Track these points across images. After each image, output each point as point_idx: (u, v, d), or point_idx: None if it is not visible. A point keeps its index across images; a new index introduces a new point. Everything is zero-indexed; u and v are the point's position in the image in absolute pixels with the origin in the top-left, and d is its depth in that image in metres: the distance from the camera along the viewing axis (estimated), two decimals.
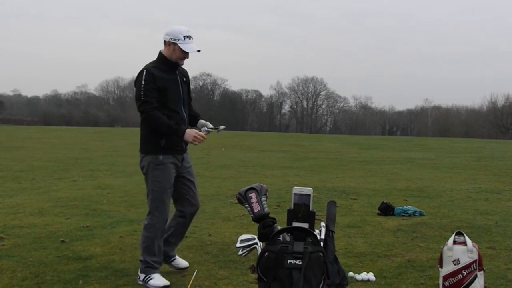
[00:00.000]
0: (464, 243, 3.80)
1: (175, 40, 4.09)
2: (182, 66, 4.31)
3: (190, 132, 4.05)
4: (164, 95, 4.06)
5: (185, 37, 4.08)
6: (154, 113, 3.98)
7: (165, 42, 4.15)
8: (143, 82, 3.98)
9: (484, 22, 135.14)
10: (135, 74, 4.18)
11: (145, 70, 4.02)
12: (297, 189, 2.57)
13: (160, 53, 4.18)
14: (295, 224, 2.52)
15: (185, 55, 4.13)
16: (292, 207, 2.55)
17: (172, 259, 4.47)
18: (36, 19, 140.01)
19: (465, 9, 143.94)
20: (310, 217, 2.52)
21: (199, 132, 4.10)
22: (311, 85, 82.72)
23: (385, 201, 7.32)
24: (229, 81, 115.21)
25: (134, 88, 4.15)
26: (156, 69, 4.07)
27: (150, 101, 3.98)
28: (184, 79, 4.31)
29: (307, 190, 2.56)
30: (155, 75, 4.01)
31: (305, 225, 2.50)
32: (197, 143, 4.06)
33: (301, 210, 2.53)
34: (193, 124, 4.43)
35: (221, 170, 13.49)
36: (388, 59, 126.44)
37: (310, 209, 2.54)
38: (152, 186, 4.11)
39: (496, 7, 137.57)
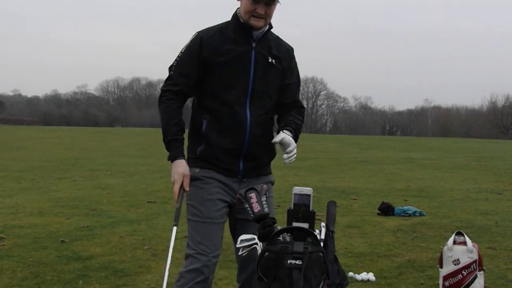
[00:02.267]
0: (464, 243, 3.80)
1: None
2: (278, 38, 2.69)
3: (179, 171, 2.50)
4: (215, 76, 2.55)
5: None
6: (165, 102, 2.59)
7: None
8: (182, 50, 2.60)
9: (484, 22, 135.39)
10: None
11: (195, 33, 2.60)
12: (297, 189, 2.56)
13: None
14: (295, 224, 2.51)
15: (254, 5, 2.46)
16: (292, 207, 2.54)
17: None
18: (36, 19, 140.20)
19: (465, 9, 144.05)
20: (310, 217, 2.51)
21: (187, 179, 2.52)
22: (311, 85, 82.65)
23: (385, 201, 7.32)
24: None
25: None
26: (218, 33, 2.57)
27: (173, 80, 2.59)
28: (271, 59, 2.60)
29: (307, 190, 2.55)
30: (205, 41, 2.53)
31: (305, 225, 2.50)
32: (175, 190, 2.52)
33: (301, 210, 2.52)
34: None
35: None
36: (388, 59, 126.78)
37: (310, 209, 2.53)
38: (187, 213, 2.63)
39: (496, 8, 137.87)
